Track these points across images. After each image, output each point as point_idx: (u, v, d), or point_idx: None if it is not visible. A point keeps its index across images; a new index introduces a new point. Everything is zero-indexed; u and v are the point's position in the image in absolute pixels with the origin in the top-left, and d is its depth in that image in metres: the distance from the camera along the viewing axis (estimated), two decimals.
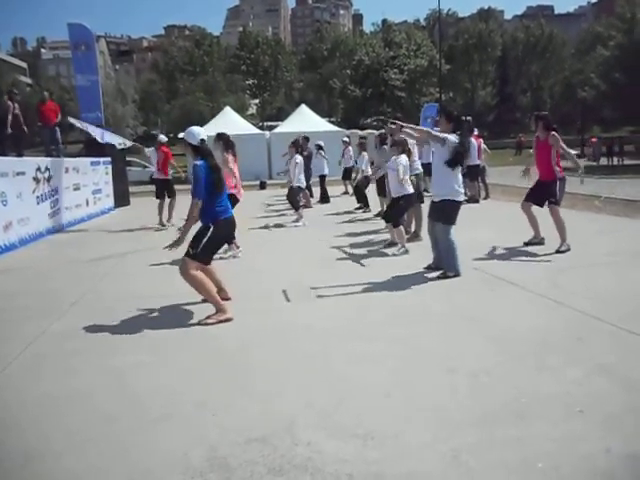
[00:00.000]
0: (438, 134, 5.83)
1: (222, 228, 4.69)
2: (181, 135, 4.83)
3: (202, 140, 4.70)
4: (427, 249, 6.33)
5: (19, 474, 2.51)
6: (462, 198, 5.89)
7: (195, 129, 4.80)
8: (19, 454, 2.65)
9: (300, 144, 12.08)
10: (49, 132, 13.70)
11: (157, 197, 11.24)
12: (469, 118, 14.16)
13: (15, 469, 2.54)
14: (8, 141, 12.40)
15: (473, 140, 13.10)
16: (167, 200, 11.13)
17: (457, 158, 5.67)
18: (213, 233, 4.60)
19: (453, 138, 5.66)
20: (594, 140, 32.24)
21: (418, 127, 6.81)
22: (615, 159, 27.61)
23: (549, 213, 6.85)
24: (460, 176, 5.84)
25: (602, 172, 22.28)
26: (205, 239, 4.57)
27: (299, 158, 10.90)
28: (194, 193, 4.57)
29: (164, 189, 11.13)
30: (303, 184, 11.12)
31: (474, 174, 12.64)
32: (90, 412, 3.06)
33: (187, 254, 4.57)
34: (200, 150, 4.68)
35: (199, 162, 4.59)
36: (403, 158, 7.17)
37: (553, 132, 6.80)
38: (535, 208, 7.08)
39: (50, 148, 13.77)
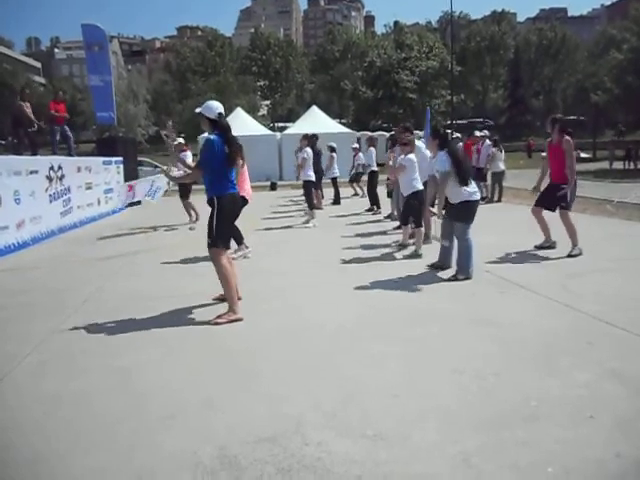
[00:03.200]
0: (443, 175, 5.82)
1: (228, 203, 4.64)
2: (198, 110, 4.73)
3: (220, 114, 4.62)
4: (437, 251, 6.31)
5: (25, 475, 2.52)
6: (477, 197, 5.90)
7: (213, 103, 4.71)
8: (25, 455, 2.65)
9: (312, 138, 12.01)
10: (61, 130, 13.83)
11: None
12: (487, 121, 14.37)
13: (21, 470, 2.55)
14: (23, 141, 12.55)
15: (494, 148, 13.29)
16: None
17: (461, 172, 5.76)
18: (219, 212, 4.57)
19: (448, 167, 5.75)
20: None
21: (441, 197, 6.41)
22: (631, 163, 27.38)
23: (560, 218, 6.81)
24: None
25: (614, 176, 22.12)
26: (215, 223, 4.57)
27: (309, 151, 10.68)
28: (199, 162, 4.61)
29: None
30: (313, 178, 10.76)
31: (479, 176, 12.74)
32: (97, 411, 3.07)
33: (209, 245, 4.63)
34: (218, 124, 4.60)
35: (213, 137, 4.53)
36: (411, 156, 7.31)
37: (567, 137, 6.76)
38: (546, 212, 7.03)
39: (61, 147, 13.91)
